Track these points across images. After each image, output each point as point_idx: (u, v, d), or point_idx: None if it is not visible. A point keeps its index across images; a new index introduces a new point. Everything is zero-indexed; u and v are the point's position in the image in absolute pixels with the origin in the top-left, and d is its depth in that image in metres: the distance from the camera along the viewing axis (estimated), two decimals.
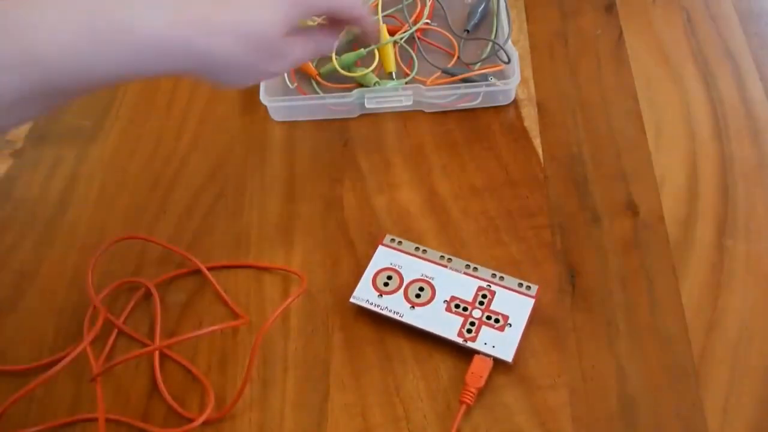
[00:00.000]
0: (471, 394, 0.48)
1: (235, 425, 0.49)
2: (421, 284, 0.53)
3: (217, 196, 0.61)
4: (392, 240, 0.55)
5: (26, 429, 0.50)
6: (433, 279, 0.53)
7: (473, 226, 0.57)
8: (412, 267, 0.54)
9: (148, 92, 0.69)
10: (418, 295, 0.52)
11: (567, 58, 0.67)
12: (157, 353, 0.52)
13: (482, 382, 0.48)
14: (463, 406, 0.48)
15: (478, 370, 0.49)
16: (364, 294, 0.53)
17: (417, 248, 0.55)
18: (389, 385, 0.50)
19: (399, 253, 0.55)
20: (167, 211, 0.61)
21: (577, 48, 0.67)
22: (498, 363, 0.49)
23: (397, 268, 0.54)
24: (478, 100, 0.64)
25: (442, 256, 0.54)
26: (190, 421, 0.49)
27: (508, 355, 0.49)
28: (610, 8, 0.70)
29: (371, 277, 0.53)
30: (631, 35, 0.68)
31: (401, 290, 0.53)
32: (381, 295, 0.52)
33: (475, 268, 0.53)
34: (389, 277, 0.53)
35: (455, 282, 0.53)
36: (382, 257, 0.54)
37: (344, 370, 0.51)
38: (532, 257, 0.55)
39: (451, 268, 0.54)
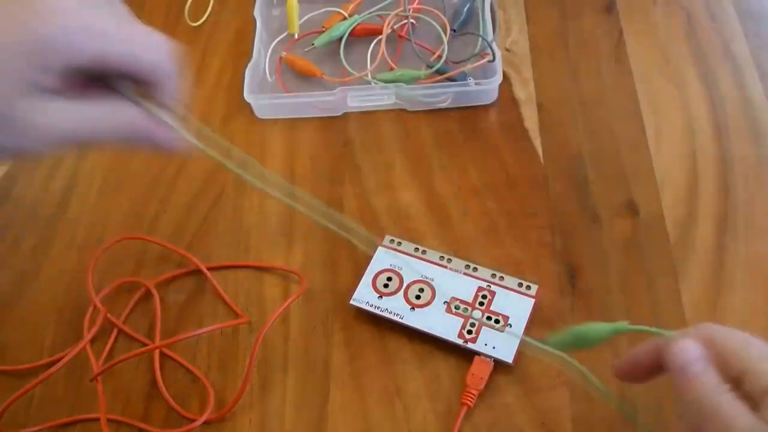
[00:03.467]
0: (472, 396, 0.48)
1: (236, 425, 0.49)
2: (421, 285, 0.53)
3: (217, 196, 0.61)
4: (391, 241, 0.55)
5: (26, 429, 0.50)
6: (432, 280, 0.53)
7: (473, 226, 0.57)
8: (412, 268, 0.54)
9: None
10: (418, 296, 0.52)
11: (567, 58, 0.67)
12: (157, 353, 0.52)
13: (483, 384, 0.48)
14: (464, 408, 0.48)
15: (479, 371, 0.49)
16: (364, 296, 0.53)
17: (416, 249, 0.55)
18: (389, 385, 0.50)
19: (398, 254, 0.55)
20: (167, 211, 0.61)
21: (577, 48, 0.67)
22: (498, 363, 0.49)
23: (396, 269, 0.54)
24: (460, 100, 0.64)
25: (441, 257, 0.54)
26: (191, 421, 0.49)
27: (508, 356, 0.49)
28: (610, 8, 0.70)
29: (371, 278, 0.53)
30: (631, 35, 0.67)
31: (401, 291, 0.53)
32: (381, 297, 0.52)
33: (475, 269, 0.53)
34: (389, 279, 0.53)
35: (455, 283, 0.53)
36: (382, 258, 0.54)
37: (344, 370, 0.51)
38: (532, 257, 0.55)
39: (450, 269, 0.53)
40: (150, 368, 0.52)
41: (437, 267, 0.54)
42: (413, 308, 0.52)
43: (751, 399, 0.35)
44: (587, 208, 0.57)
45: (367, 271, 0.54)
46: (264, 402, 0.50)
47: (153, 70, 0.36)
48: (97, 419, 0.50)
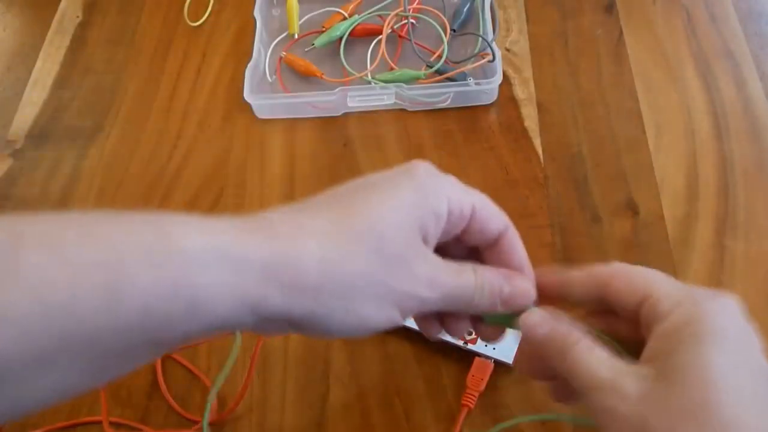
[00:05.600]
0: (472, 398, 0.48)
1: (236, 425, 0.49)
2: None
3: (217, 196, 0.61)
4: None
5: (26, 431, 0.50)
6: None
7: None
8: None
9: (148, 93, 0.68)
10: None
11: (567, 58, 0.67)
12: None
13: (483, 385, 0.48)
14: (464, 410, 0.48)
15: (479, 373, 0.49)
16: None
17: None
18: (389, 385, 0.50)
19: None
20: (167, 211, 0.60)
21: (577, 48, 0.67)
22: (499, 364, 0.49)
23: None
24: (460, 100, 0.64)
25: None
26: (191, 422, 0.49)
27: (508, 357, 0.49)
28: (610, 8, 0.70)
29: None
30: (631, 35, 0.67)
31: None
32: None
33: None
34: None
35: None
36: None
37: (344, 370, 0.51)
38: (532, 257, 0.55)
39: None
40: (151, 368, 0.52)
41: None
42: None
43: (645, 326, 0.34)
44: (587, 208, 0.57)
45: None
46: (264, 402, 0.50)
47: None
48: (99, 422, 0.50)
